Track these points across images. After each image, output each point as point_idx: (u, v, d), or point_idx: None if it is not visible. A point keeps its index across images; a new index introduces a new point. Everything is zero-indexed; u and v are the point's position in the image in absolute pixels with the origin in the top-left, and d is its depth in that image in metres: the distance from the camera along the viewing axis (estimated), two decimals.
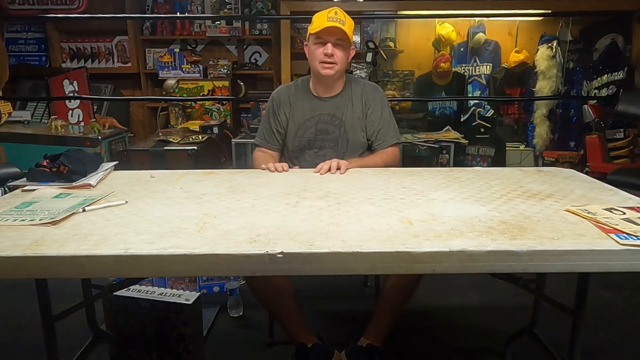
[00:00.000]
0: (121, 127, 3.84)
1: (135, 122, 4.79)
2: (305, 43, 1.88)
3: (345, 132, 1.87)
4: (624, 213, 1.13)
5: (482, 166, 3.95)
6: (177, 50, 4.59)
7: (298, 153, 1.92)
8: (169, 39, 4.68)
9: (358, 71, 4.31)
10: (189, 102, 4.50)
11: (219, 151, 3.69)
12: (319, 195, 1.35)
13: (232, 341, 1.96)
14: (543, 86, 4.01)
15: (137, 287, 1.74)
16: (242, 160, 3.80)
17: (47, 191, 1.41)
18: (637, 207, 1.18)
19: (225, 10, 4.58)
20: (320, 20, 1.75)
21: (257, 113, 4.18)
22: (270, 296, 1.63)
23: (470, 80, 4.28)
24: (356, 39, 4.49)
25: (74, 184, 1.46)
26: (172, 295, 1.70)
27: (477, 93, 4.27)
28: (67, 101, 4.32)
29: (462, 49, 4.32)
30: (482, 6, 4.07)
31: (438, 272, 0.97)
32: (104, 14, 4.17)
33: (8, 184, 2.38)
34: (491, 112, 4.18)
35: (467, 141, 3.83)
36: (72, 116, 4.32)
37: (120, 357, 1.77)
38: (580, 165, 3.69)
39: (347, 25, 1.76)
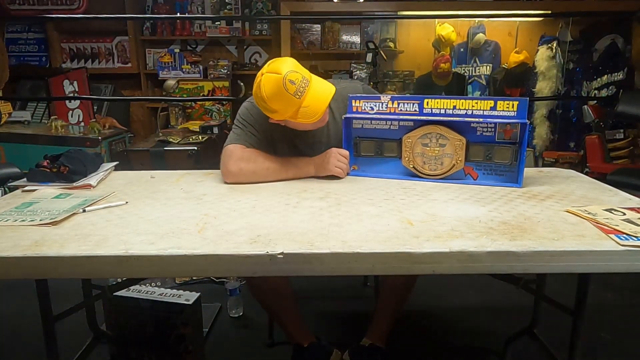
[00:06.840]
0: (121, 128, 3.84)
1: (136, 122, 4.79)
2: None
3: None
4: (624, 214, 1.13)
5: None
6: (177, 50, 4.59)
7: None
8: (169, 40, 4.68)
9: (358, 72, 4.32)
10: (189, 103, 4.50)
11: (219, 152, 3.68)
12: (319, 195, 1.35)
13: (232, 341, 1.96)
14: (543, 87, 4.02)
15: (137, 287, 1.74)
16: None
17: (47, 191, 1.41)
18: (637, 208, 1.18)
19: (226, 10, 4.58)
20: (289, 111, 1.38)
21: None
22: (268, 295, 1.63)
23: (470, 81, 4.29)
24: (356, 39, 4.50)
25: (74, 184, 1.46)
26: (172, 296, 1.70)
27: (477, 93, 4.27)
28: (67, 101, 4.33)
29: (462, 50, 4.33)
30: (482, 7, 4.08)
31: (438, 272, 0.97)
32: (104, 15, 4.17)
33: (8, 184, 2.38)
34: None
35: None
36: (72, 116, 4.32)
37: (120, 357, 1.77)
38: (580, 165, 3.69)
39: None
